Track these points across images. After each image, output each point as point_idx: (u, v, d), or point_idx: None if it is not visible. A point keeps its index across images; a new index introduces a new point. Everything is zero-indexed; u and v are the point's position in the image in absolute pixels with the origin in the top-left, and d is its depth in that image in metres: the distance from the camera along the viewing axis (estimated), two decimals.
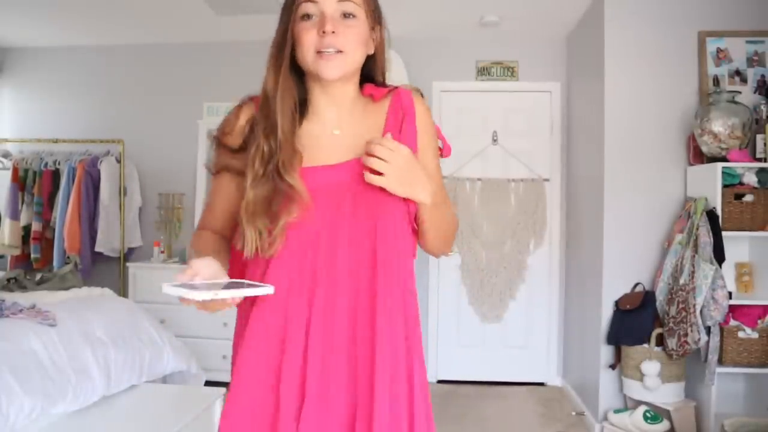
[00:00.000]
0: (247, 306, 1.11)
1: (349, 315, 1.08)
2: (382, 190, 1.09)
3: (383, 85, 1.22)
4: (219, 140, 1.19)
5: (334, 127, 1.17)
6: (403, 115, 1.18)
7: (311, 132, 1.16)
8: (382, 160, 1.06)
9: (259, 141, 1.12)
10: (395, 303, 1.09)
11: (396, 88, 1.21)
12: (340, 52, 1.11)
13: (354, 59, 1.14)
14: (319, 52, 1.10)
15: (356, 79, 1.19)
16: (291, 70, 1.15)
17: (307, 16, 1.12)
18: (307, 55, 1.12)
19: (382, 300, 1.07)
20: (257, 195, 1.08)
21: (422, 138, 1.21)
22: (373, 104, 1.20)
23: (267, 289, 0.99)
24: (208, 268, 0.99)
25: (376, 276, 1.08)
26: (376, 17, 1.18)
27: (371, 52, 1.18)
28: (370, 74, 1.22)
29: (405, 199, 1.12)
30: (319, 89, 1.17)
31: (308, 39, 1.11)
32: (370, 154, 1.07)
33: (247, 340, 1.09)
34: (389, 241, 1.11)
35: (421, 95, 1.24)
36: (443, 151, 1.34)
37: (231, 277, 1.05)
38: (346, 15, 1.12)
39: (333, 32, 1.09)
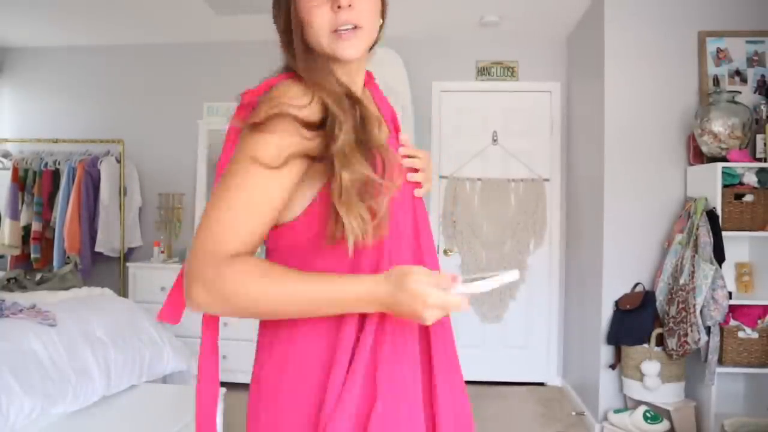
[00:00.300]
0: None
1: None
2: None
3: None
4: (295, 116, 0.91)
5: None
6: (382, 100, 1.16)
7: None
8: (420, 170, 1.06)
9: (339, 121, 0.93)
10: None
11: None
12: (358, 27, 0.97)
13: (372, 34, 1.02)
14: (335, 31, 0.96)
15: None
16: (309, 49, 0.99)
17: None
18: (321, 36, 0.97)
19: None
20: (354, 176, 0.92)
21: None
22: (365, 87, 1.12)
23: (513, 275, 0.98)
24: (440, 273, 0.95)
25: (423, 241, 1.11)
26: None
27: (382, 20, 1.06)
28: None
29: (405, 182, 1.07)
30: (342, 71, 1.02)
31: (320, 17, 0.96)
32: (412, 168, 1.04)
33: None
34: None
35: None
36: None
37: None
38: None
39: (349, 5, 0.95)
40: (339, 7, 0.94)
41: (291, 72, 0.99)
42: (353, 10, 0.96)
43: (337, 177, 0.91)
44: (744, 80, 3.24)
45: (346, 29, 0.96)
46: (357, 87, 1.06)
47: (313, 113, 0.93)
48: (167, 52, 4.68)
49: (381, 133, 0.99)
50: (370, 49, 1.06)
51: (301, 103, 0.92)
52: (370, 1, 0.99)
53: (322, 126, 0.92)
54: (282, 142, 0.90)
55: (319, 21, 0.96)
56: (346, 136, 0.92)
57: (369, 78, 1.13)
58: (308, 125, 0.92)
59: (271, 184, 0.91)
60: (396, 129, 1.13)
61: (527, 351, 4.41)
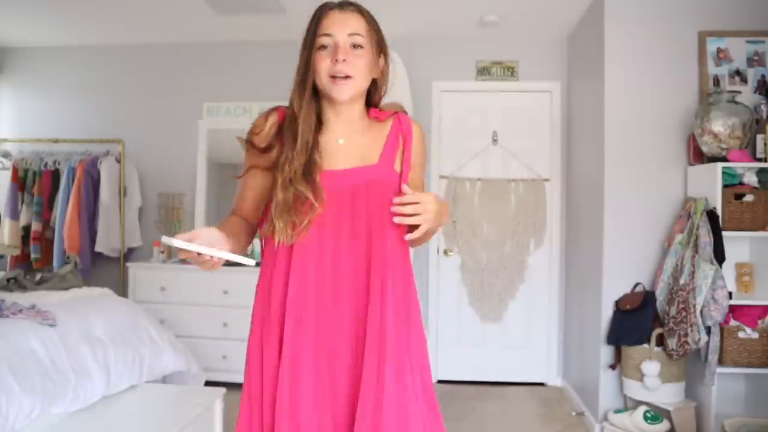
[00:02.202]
0: (276, 285, 1.35)
1: (351, 279, 1.32)
2: (374, 194, 1.34)
3: (384, 108, 1.46)
4: (249, 141, 1.39)
5: (339, 137, 1.39)
6: (404, 137, 1.43)
7: (323, 142, 1.38)
8: (413, 212, 1.28)
9: (287, 152, 1.33)
10: (392, 282, 1.33)
11: (396, 113, 1.46)
12: (350, 77, 1.33)
13: (361, 84, 1.37)
14: (332, 77, 1.33)
15: (362, 99, 1.42)
16: (312, 92, 1.37)
17: (323, 47, 1.34)
18: (322, 79, 1.34)
19: (378, 276, 1.32)
20: (286, 197, 1.30)
21: (416, 158, 1.44)
22: (377, 123, 1.43)
23: (249, 261, 1.20)
24: (208, 234, 1.19)
25: (371, 259, 1.32)
26: (380, 47, 1.41)
27: (376, 76, 1.41)
28: (370, 95, 1.44)
29: (390, 201, 1.32)
30: (330, 107, 1.39)
31: (323, 66, 1.33)
32: (402, 214, 1.29)
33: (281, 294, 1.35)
34: (382, 233, 1.33)
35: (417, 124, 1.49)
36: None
37: (263, 257, 1.40)
38: (355, 46, 1.34)
39: (344, 60, 1.32)
40: (336, 60, 1.32)
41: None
42: (347, 64, 1.32)
43: (275, 192, 1.31)
44: (744, 80, 3.24)
45: (340, 76, 1.32)
46: (343, 122, 1.40)
47: (262, 140, 1.38)
48: (167, 52, 4.68)
49: (315, 173, 1.32)
50: (375, 105, 1.45)
51: (257, 131, 1.39)
52: (361, 59, 1.34)
53: (270, 149, 1.37)
54: (247, 158, 1.42)
55: (323, 68, 1.33)
56: (289, 164, 1.32)
57: (379, 114, 1.44)
58: (256, 148, 1.38)
59: (244, 184, 1.43)
60: (407, 152, 1.42)
61: (527, 351, 4.41)
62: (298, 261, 1.31)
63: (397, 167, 1.40)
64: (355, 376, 1.30)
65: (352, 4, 1.39)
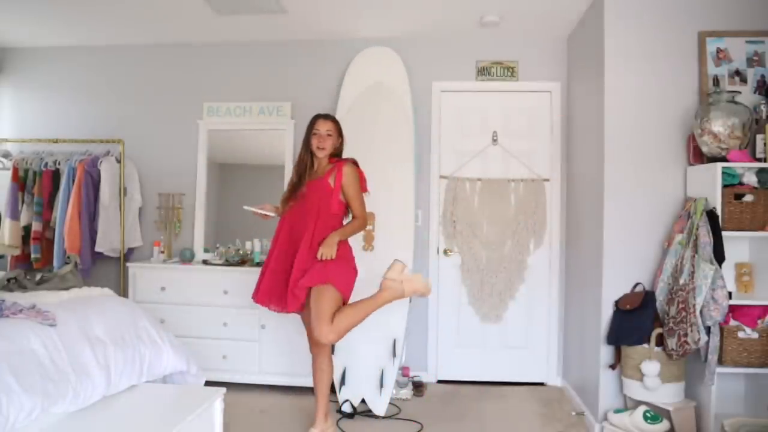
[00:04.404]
0: (279, 225, 3.26)
1: (304, 222, 3.14)
2: (320, 192, 3.15)
3: (337, 159, 3.24)
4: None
5: (318, 169, 3.22)
6: (336, 171, 3.13)
7: (313, 172, 3.22)
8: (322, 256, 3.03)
9: (293, 174, 3.28)
10: (326, 229, 3.11)
11: (339, 161, 3.19)
12: (324, 149, 3.18)
13: (328, 152, 3.20)
14: (317, 148, 3.18)
15: (328, 157, 3.22)
16: (308, 152, 3.22)
17: (314, 134, 3.20)
18: (313, 148, 3.19)
19: (320, 228, 3.11)
20: (288, 192, 3.26)
21: (345, 181, 3.13)
22: (330, 165, 3.19)
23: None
24: (270, 206, 3.33)
25: (318, 221, 3.12)
26: (340, 133, 3.25)
27: (337, 145, 3.25)
28: (336, 152, 3.27)
29: (332, 197, 3.14)
30: (316, 159, 3.21)
31: (313, 143, 3.19)
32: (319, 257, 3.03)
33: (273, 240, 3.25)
34: (320, 209, 3.12)
35: (354, 163, 3.21)
36: (363, 185, 3.24)
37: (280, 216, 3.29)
38: (329, 134, 3.19)
39: (322, 143, 3.18)
40: (318, 146, 3.19)
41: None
42: (323, 143, 3.18)
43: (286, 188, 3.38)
44: (744, 80, 3.24)
45: (320, 149, 3.18)
46: (320, 165, 3.23)
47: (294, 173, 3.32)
48: (167, 52, 4.69)
49: (305, 183, 3.21)
50: (338, 156, 3.27)
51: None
52: (330, 142, 3.20)
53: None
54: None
55: (314, 144, 3.19)
56: (293, 178, 3.28)
57: (335, 163, 3.20)
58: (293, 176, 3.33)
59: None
60: (338, 177, 3.15)
61: (527, 351, 4.41)
62: (287, 217, 3.21)
63: (331, 181, 3.13)
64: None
65: (328, 116, 3.24)
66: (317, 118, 3.21)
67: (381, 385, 3.69)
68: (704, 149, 3.07)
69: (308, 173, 3.15)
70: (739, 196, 2.98)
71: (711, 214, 2.93)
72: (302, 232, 3.07)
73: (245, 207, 3.25)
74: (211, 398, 2.51)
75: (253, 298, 3.20)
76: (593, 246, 3.53)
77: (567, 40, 4.35)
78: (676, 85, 3.29)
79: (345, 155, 3.30)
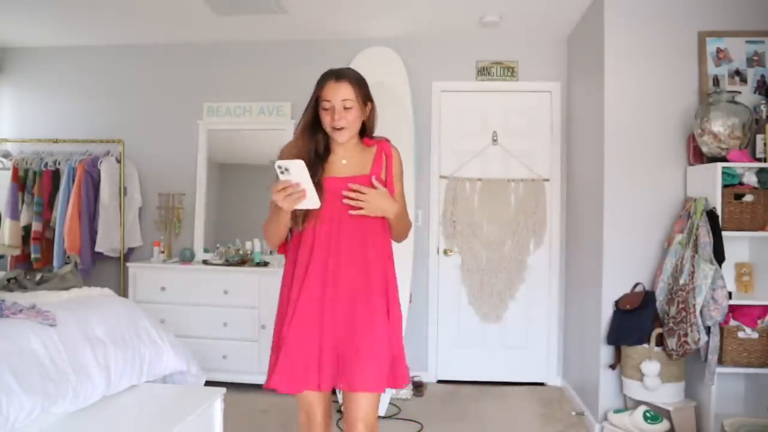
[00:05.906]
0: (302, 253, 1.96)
1: (348, 253, 1.93)
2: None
3: (372, 137, 2.04)
4: None
5: (342, 159, 2.00)
6: (386, 157, 2.03)
7: (332, 161, 1.99)
8: (358, 199, 1.88)
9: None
10: (378, 255, 1.96)
11: (380, 141, 2.04)
12: (344, 128, 1.92)
13: (352, 131, 1.96)
14: (333, 128, 1.92)
15: (356, 135, 2.00)
16: (319, 131, 1.97)
17: (325, 109, 1.93)
18: (327, 128, 1.95)
19: (371, 252, 1.95)
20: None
21: (395, 172, 2.05)
22: (368, 148, 2.03)
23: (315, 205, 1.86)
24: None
25: (366, 243, 1.94)
26: (366, 99, 1.96)
27: (365, 118, 1.99)
28: (364, 128, 2.02)
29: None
30: (335, 143, 1.99)
31: (327, 121, 1.93)
32: (348, 197, 1.89)
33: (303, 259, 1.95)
34: (369, 222, 1.95)
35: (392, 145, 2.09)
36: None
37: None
38: (346, 107, 1.91)
39: (339, 119, 1.91)
40: (333, 119, 1.90)
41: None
42: (342, 119, 1.90)
43: None
44: (744, 80, 3.24)
45: (338, 127, 1.92)
46: (345, 149, 2.00)
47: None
48: (167, 52, 4.69)
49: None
50: (369, 135, 2.03)
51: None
52: (351, 115, 1.91)
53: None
54: None
55: (326, 122, 1.93)
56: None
57: (368, 142, 2.04)
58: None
59: None
60: (389, 166, 2.04)
61: (527, 351, 4.41)
62: (309, 240, 1.96)
63: (383, 176, 2.01)
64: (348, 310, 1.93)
65: (343, 75, 1.93)
66: (327, 78, 1.93)
67: None
68: (704, 149, 3.07)
69: (322, 167, 1.94)
70: (739, 196, 2.98)
71: (711, 214, 2.93)
72: (348, 263, 1.92)
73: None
74: (211, 398, 2.51)
75: (274, 387, 1.92)
76: (593, 246, 3.53)
77: (567, 40, 4.35)
78: (676, 85, 3.28)
79: None
